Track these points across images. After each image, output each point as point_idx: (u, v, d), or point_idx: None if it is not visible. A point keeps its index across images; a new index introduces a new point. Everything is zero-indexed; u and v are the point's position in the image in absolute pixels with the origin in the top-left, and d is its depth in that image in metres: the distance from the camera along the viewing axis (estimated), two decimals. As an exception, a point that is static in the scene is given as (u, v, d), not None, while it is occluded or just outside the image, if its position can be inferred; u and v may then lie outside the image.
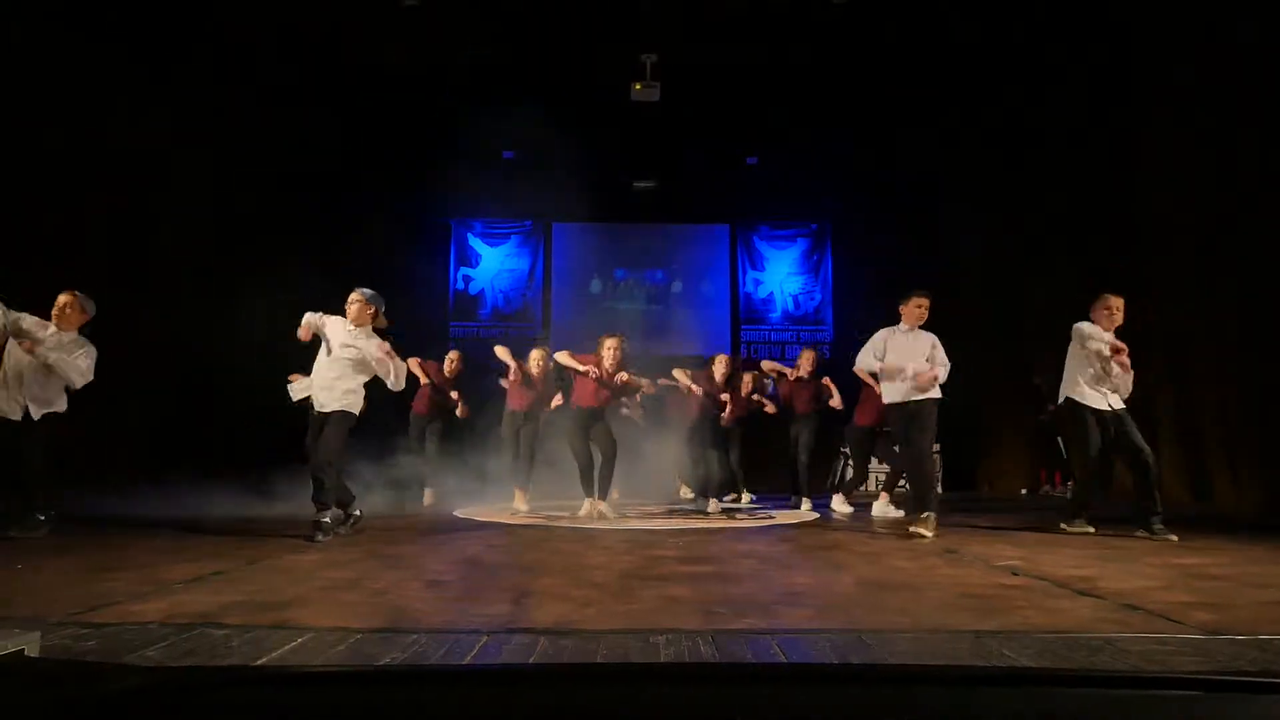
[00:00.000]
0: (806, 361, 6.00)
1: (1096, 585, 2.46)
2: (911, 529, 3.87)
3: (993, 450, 8.69)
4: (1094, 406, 4.03)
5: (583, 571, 2.71)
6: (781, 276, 10.09)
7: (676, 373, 5.60)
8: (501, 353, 5.55)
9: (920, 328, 4.17)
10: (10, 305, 3.69)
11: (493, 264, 10.11)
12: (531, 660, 1.63)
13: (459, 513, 5.21)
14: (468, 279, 10.09)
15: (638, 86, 7.00)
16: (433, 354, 6.78)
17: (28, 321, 3.76)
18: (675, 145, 8.97)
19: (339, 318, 3.87)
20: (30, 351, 3.68)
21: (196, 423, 7.43)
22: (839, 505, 5.60)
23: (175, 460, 6.63)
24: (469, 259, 10.12)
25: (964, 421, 8.57)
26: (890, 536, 3.94)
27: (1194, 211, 5.76)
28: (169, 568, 2.68)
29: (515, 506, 5.35)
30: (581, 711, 1.23)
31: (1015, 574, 2.69)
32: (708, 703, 1.27)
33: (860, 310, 8.62)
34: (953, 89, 7.90)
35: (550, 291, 10.04)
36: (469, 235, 10.15)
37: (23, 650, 1.09)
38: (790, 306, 10.04)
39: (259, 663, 1.57)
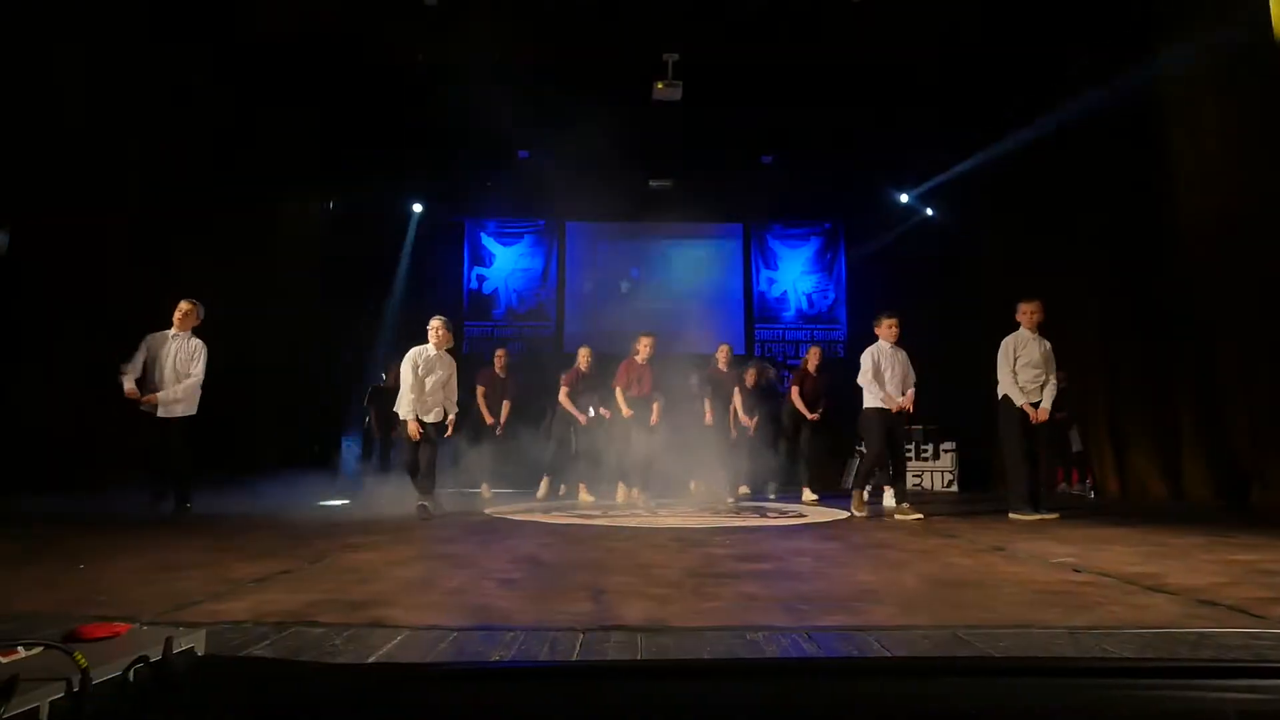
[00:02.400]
0: (813, 358, 6.75)
1: (1164, 581, 2.47)
2: (899, 516, 4.78)
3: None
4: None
5: (648, 570, 2.71)
6: (795, 275, 10.12)
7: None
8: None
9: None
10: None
11: (506, 263, 10.12)
12: (640, 657, 1.64)
13: (490, 511, 5.22)
14: (481, 278, 10.09)
15: (660, 86, 7.00)
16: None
17: (154, 342, 4.84)
18: (691, 144, 8.97)
19: (420, 350, 4.81)
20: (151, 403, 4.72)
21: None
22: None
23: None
24: (483, 258, 10.12)
25: (979, 421, 8.62)
26: (936, 534, 3.96)
27: (1216, 200, 5.77)
28: (233, 566, 2.67)
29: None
30: (720, 705, 1.24)
31: (1077, 570, 2.71)
32: (840, 697, 1.27)
33: (874, 309, 8.63)
34: (966, 88, 7.93)
35: (564, 291, 10.05)
36: (482, 235, 10.15)
37: (193, 649, 1.09)
38: (804, 305, 10.06)
39: (371, 660, 1.57)
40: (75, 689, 0.87)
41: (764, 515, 5.11)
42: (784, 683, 1.29)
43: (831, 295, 10.07)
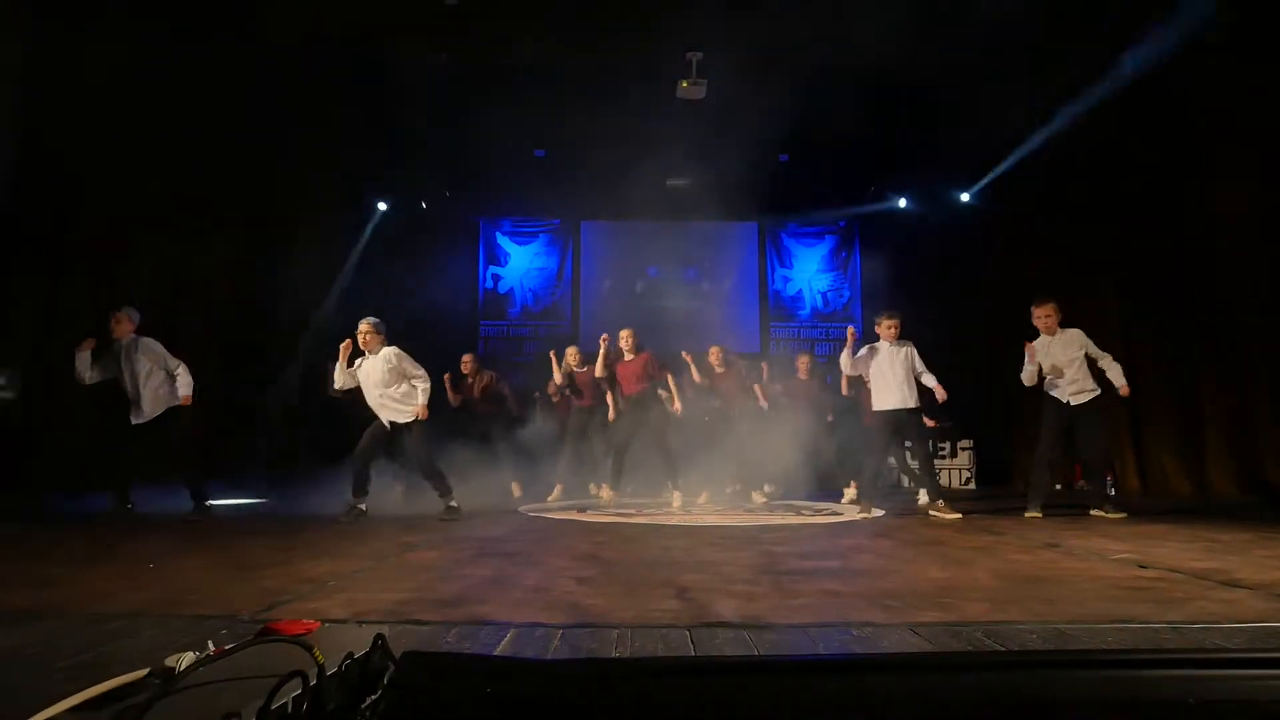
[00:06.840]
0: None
1: (1236, 577, 2.49)
2: (934, 514, 4.78)
3: (1027, 446, 8.72)
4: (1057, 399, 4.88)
5: (716, 567, 2.72)
6: (810, 274, 10.13)
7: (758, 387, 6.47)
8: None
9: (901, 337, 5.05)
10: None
11: (522, 262, 10.11)
12: (759, 654, 1.65)
13: (524, 509, 5.22)
14: (497, 277, 10.08)
15: (684, 84, 7.01)
16: (461, 350, 7.08)
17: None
18: (708, 142, 8.95)
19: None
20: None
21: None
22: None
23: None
24: (498, 257, 10.12)
25: (998, 418, 8.66)
26: (983, 531, 3.98)
27: (1239, 201, 5.81)
28: (305, 565, 2.67)
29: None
30: (860, 700, 1.24)
31: (1143, 566, 2.73)
32: (967, 691, 1.27)
33: (889, 307, 8.64)
34: (977, 88, 7.94)
35: (579, 290, 10.04)
36: (497, 234, 10.14)
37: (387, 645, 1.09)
38: (819, 303, 10.08)
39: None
40: (311, 683, 0.87)
41: (799, 513, 5.12)
42: (913, 677, 1.30)
43: (846, 293, 10.09)
